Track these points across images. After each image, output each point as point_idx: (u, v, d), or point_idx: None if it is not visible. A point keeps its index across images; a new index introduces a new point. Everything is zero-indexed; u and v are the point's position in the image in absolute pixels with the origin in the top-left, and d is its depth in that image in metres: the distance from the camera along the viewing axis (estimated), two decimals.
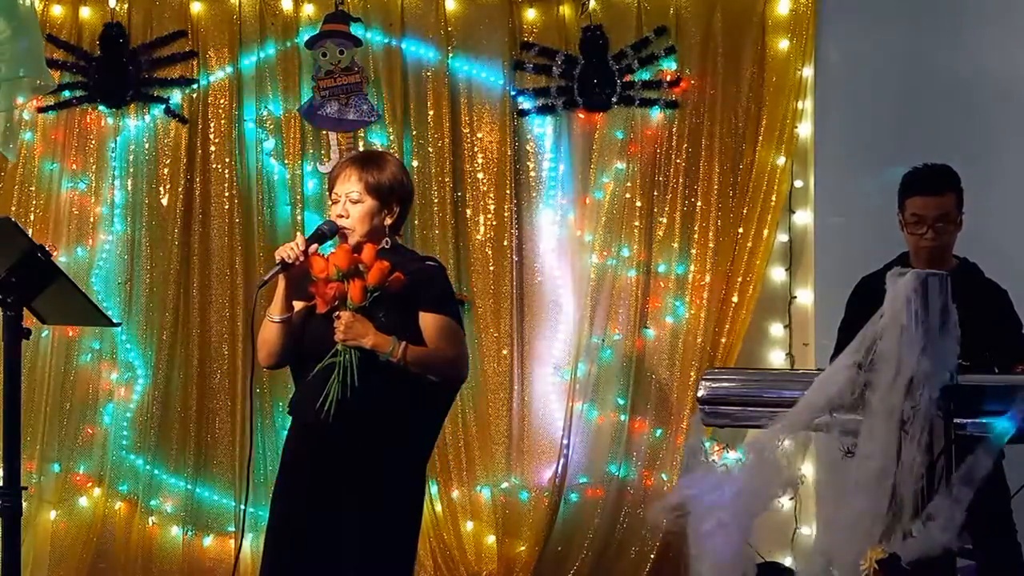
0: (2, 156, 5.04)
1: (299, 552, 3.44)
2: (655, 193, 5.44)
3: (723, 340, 5.33)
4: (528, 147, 5.53)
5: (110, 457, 5.47)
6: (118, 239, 5.52)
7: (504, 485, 5.45)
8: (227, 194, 5.51)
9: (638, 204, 5.43)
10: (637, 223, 5.43)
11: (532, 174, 5.53)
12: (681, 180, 5.41)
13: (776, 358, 5.46)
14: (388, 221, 3.55)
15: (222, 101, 5.53)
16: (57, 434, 5.47)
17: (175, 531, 5.48)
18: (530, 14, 5.50)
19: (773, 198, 5.36)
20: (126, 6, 5.53)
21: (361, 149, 5.37)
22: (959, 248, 4.16)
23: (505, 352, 5.46)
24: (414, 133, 5.51)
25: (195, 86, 5.52)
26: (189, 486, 5.46)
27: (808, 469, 2.22)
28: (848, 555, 1.97)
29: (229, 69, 5.53)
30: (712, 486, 2.09)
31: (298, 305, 3.54)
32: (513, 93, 5.48)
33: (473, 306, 5.44)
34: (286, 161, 5.53)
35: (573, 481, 5.41)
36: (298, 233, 4.57)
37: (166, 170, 5.53)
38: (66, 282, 3.66)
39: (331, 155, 5.47)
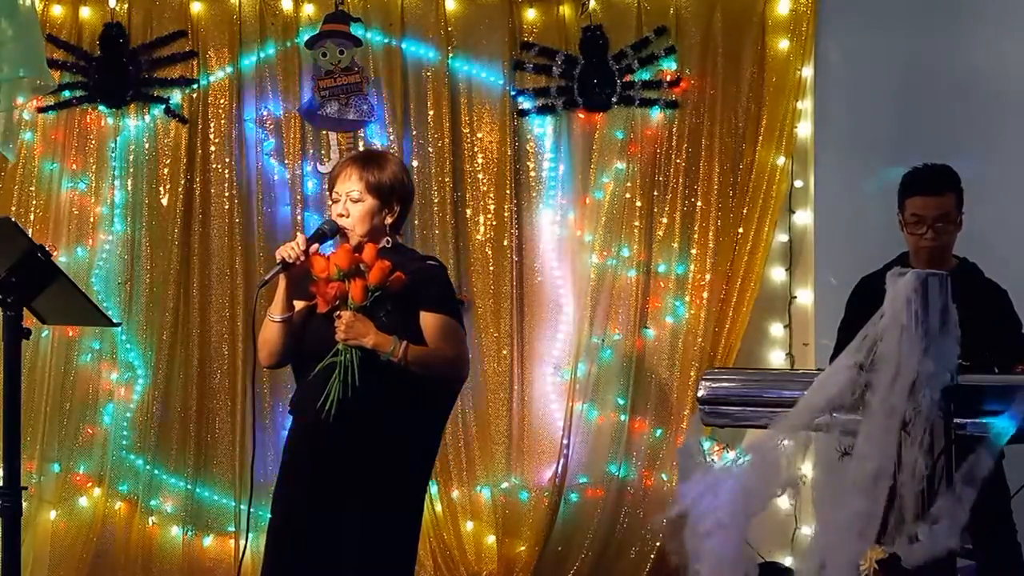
0: (2, 156, 5.04)
1: (300, 552, 3.44)
2: (655, 193, 5.44)
3: (723, 340, 5.34)
4: (528, 147, 5.53)
5: (110, 457, 5.47)
6: (118, 239, 5.52)
7: (504, 485, 5.45)
8: (227, 194, 5.51)
9: (638, 204, 5.43)
10: (637, 223, 5.43)
11: (532, 174, 5.53)
12: (681, 180, 5.42)
13: (776, 358, 5.46)
14: (389, 220, 3.55)
15: (222, 101, 5.53)
16: (57, 434, 5.47)
17: (175, 531, 5.48)
18: (530, 14, 5.50)
19: (773, 198, 5.36)
20: (126, 6, 5.53)
21: (361, 149, 5.37)
22: (959, 248, 4.16)
23: (505, 352, 5.46)
24: (414, 133, 5.51)
25: (195, 86, 5.52)
26: (189, 486, 5.45)
27: (808, 469, 2.22)
28: (842, 555, 1.97)
29: (229, 69, 5.53)
30: (710, 487, 2.09)
31: (299, 304, 3.54)
32: (513, 93, 5.48)
33: (473, 306, 5.45)
34: (286, 161, 5.53)
35: (573, 481, 5.42)
36: (298, 233, 4.58)
37: (166, 170, 5.53)
38: (66, 282, 3.66)
39: (331, 155, 5.47)
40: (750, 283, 5.36)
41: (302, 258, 3.44)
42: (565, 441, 5.39)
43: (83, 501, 5.49)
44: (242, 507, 5.37)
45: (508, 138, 5.47)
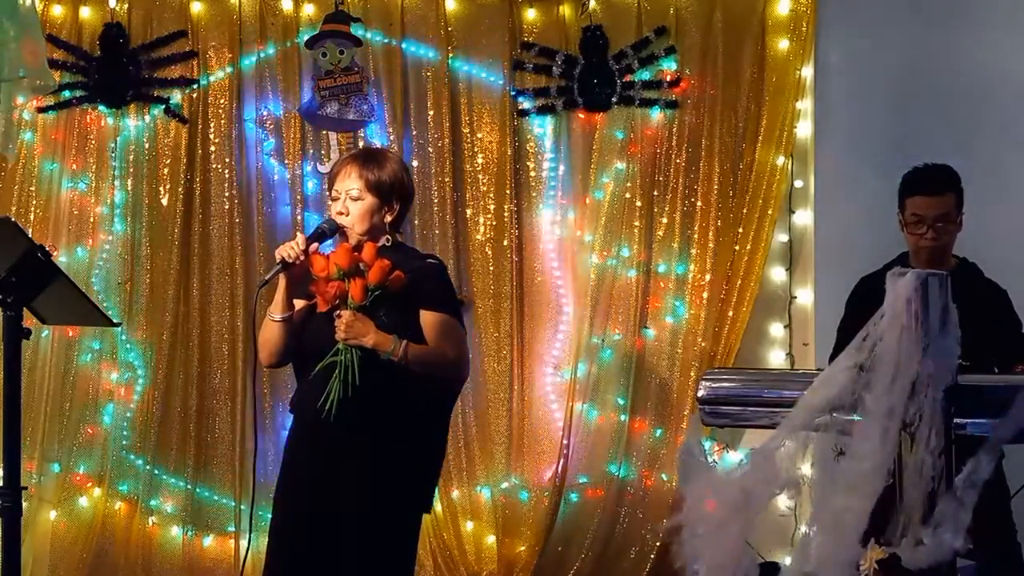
0: (2, 156, 5.04)
1: (301, 552, 3.44)
2: (655, 193, 5.44)
3: (723, 340, 5.34)
4: (528, 147, 5.53)
5: (110, 457, 5.47)
6: (118, 239, 5.52)
7: (504, 485, 5.45)
8: (227, 194, 5.51)
9: (638, 204, 5.43)
10: (637, 223, 5.43)
11: (532, 174, 5.53)
12: (681, 180, 5.42)
13: (776, 358, 5.46)
14: (388, 218, 3.55)
15: (222, 101, 5.53)
16: (57, 434, 5.47)
17: (175, 531, 5.48)
18: (530, 14, 5.50)
19: (773, 198, 5.36)
20: (126, 6, 5.53)
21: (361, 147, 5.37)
22: (959, 248, 4.16)
23: (505, 352, 5.46)
24: (414, 133, 5.51)
25: (195, 86, 5.52)
26: (189, 486, 5.46)
27: (808, 470, 2.22)
28: (835, 554, 1.97)
29: (229, 69, 5.53)
30: (711, 488, 2.09)
31: (299, 303, 3.53)
32: (513, 93, 5.48)
33: (473, 306, 5.45)
34: (286, 161, 5.53)
35: (573, 481, 5.42)
36: (298, 232, 4.57)
37: (166, 170, 5.53)
38: (66, 282, 3.66)
39: (331, 155, 5.47)
40: (750, 283, 5.36)
41: (301, 257, 3.44)
42: (565, 441, 5.39)
43: (83, 501, 5.49)
44: (242, 507, 5.37)
45: (508, 138, 5.47)
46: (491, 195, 5.51)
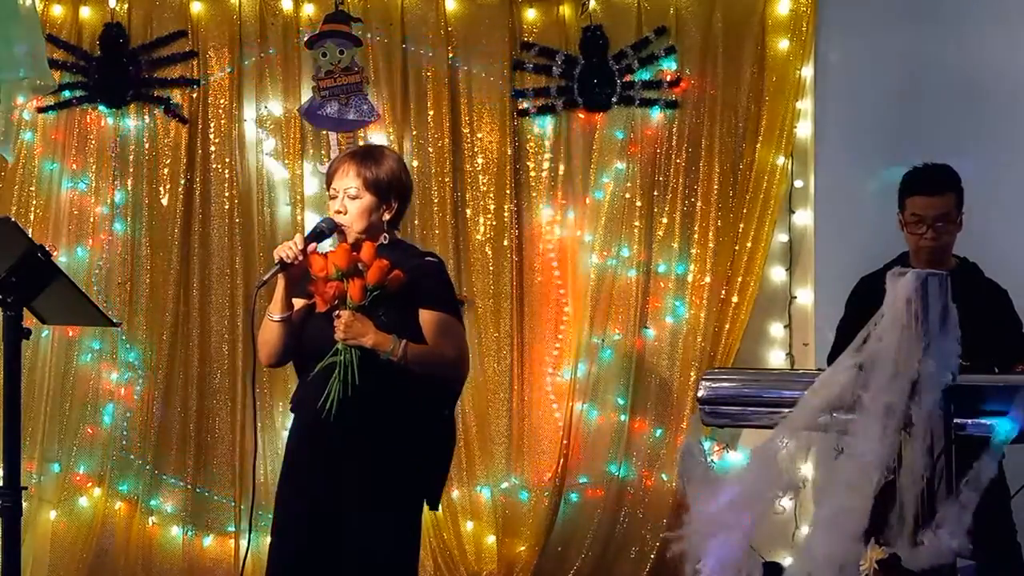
0: (1, 156, 5.04)
1: (302, 551, 3.44)
2: (655, 193, 5.44)
3: (723, 340, 5.34)
4: (528, 147, 5.53)
5: (110, 457, 5.47)
6: (118, 239, 5.52)
7: (504, 485, 5.45)
8: (227, 194, 5.51)
9: (638, 204, 5.43)
10: (637, 223, 5.43)
11: (532, 174, 5.53)
12: (681, 180, 5.42)
13: (776, 358, 5.46)
14: (387, 217, 3.53)
15: (222, 101, 5.53)
16: (57, 434, 5.47)
17: (175, 531, 5.47)
18: (530, 14, 5.50)
19: (773, 198, 5.36)
20: (126, 6, 5.52)
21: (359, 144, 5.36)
22: (959, 248, 4.16)
23: (505, 352, 5.46)
24: (414, 133, 5.51)
25: (195, 86, 5.52)
26: (189, 486, 5.45)
27: (809, 470, 2.22)
28: (832, 553, 1.97)
29: (229, 69, 5.53)
30: (713, 488, 2.09)
31: (298, 303, 3.53)
32: (513, 93, 5.48)
33: (473, 306, 5.44)
34: (286, 161, 5.53)
35: (573, 481, 5.42)
36: (297, 232, 4.57)
37: (166, 170, 5.53)
38: (66, 282, 3.66)
39: (331, 155, 5.46)
40: (750, 283, 5.36)
41: (300, 257, 3.43)
42: (565, 441, 5.39)
43: (83, 501, 5.49)
44: (242, 507, 5.37)
45: (508, 138, 5.47)
46: (491, 195, 5.50)
